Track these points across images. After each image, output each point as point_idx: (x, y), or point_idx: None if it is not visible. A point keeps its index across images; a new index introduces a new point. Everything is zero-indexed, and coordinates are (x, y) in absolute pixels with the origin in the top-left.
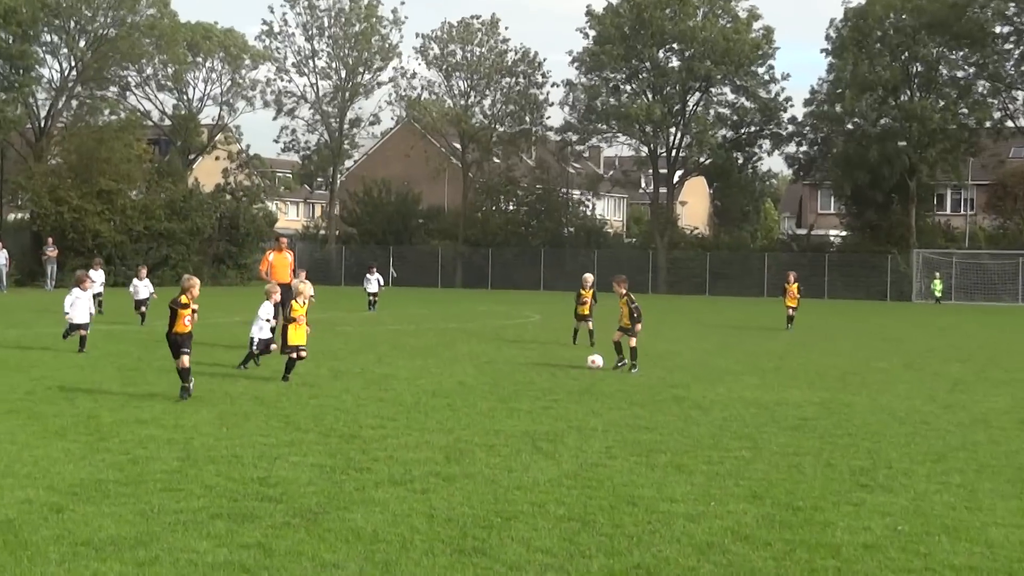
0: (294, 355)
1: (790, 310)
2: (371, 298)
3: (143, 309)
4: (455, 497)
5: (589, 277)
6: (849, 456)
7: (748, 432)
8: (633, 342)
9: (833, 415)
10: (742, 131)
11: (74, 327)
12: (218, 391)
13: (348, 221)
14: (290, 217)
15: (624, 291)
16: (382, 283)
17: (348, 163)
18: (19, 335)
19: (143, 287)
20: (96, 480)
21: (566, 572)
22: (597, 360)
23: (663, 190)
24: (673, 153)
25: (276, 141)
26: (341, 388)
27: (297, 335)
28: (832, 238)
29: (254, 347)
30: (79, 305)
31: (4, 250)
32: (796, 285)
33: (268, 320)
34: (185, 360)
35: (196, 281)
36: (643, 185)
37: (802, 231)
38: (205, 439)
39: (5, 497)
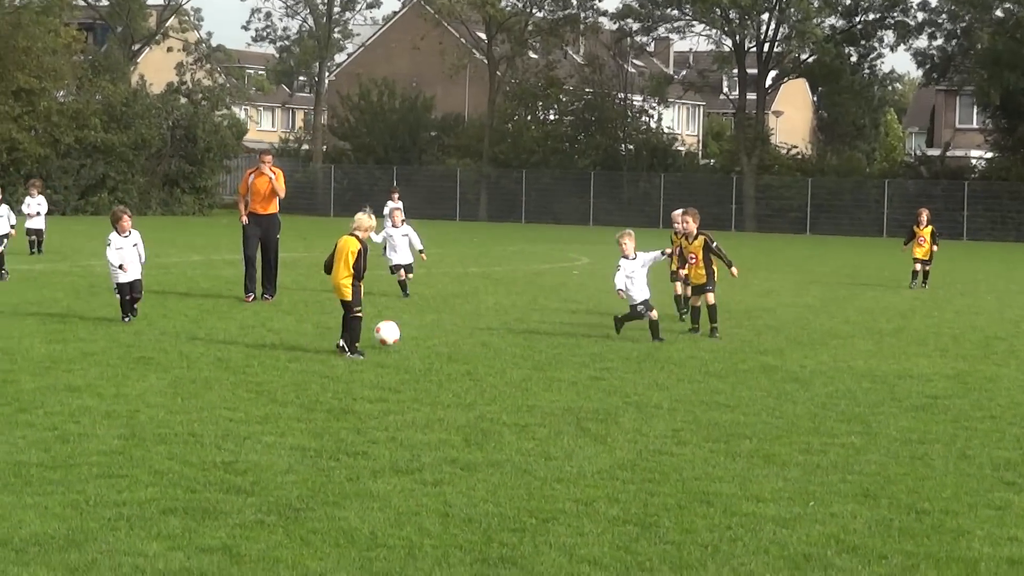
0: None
1: (918, 264)
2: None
3: (33, 237)
4: (477, 491)
5: (679, 215)
6: (991, 445)
7: (859, 413)
8: (711, 299)
9: (971, 392)
10: (856, 20)
11: (123, 287)
12: (171, 351)
13: (339, 133)
14: (264, 127)
15: (695, 228)
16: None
17: (339, 57)
18: None
19: (36, 205)
20: (15, 463)
21: None
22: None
23: (751, 96)
24: (765, 48)
25: (246, 28)
26: (330, 349)
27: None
28: (974, 161)
29: (639, 310)
30: (126, 256)
31: None
32: (930, 228)
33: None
34: None
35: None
36: (725, 89)
37: (934, 151)
38: (154, 412)
39: None
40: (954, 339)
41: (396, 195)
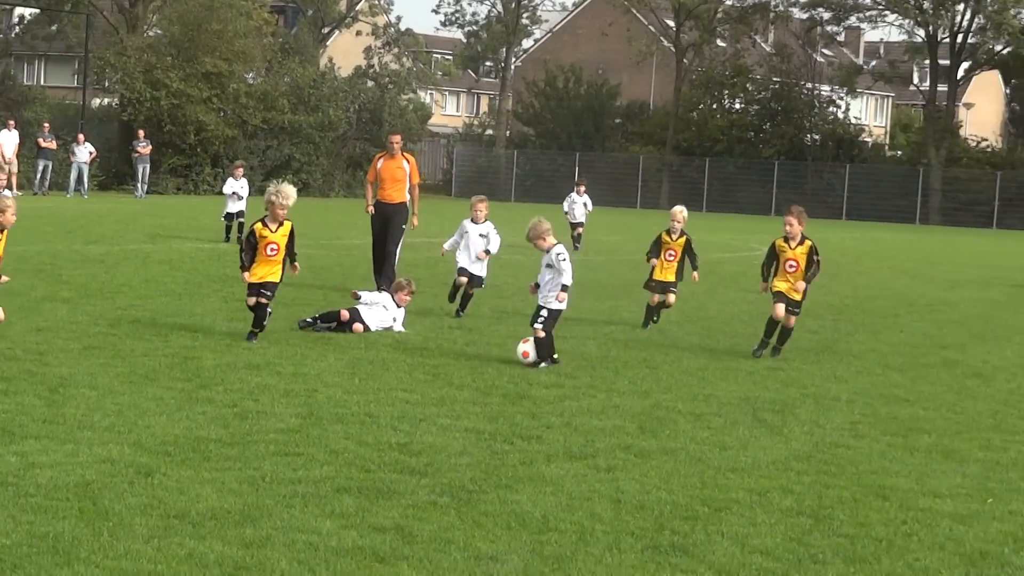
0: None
1: None
2: (575, 232)
3: (240, 220)
4: (649, 479)
5: (681, 211)
6: None
7: None
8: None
9: None
10: None
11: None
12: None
13: (523, 119)
14: (449, 112)
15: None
16: (590, 207)
17: (526, 43)
18: (103, 252)
19: (239, 188)
20: (194, 438)
21: None
22: (527, 350)
23: (942, 88)
24: (959, 39)
25: (435, 12)
26: (506, 334)
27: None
28: None
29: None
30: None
31: (87, 144)
32: None
33: None
34: None
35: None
36: (915, 80)
37: None
38: (332, 392)
39: (82, 455)
40: None
41: (582, 187)
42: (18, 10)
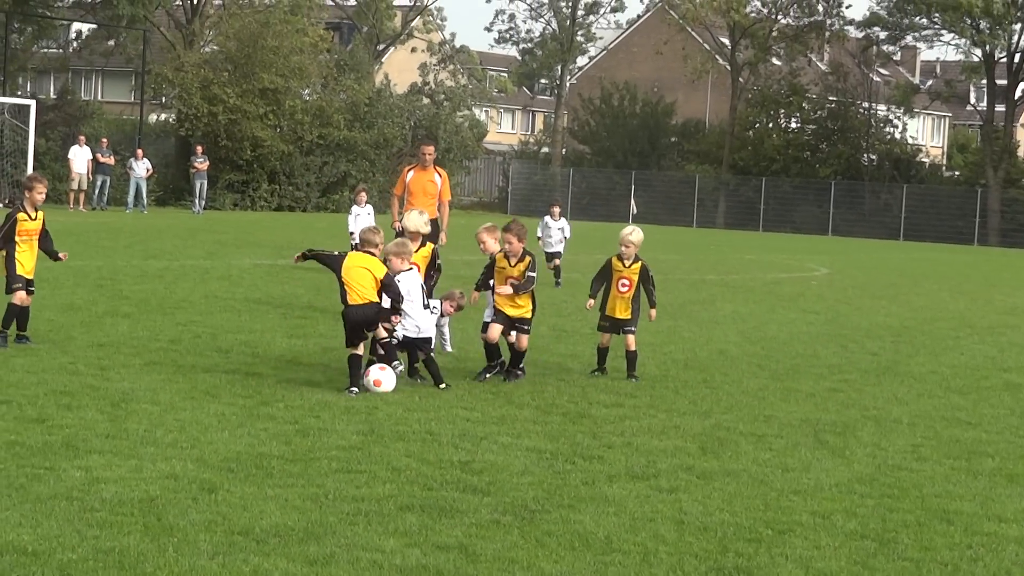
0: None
1: None
2: (551, 264)
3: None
4: (712, 500)
5: (630, 232)
6: None
7: None
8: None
9: None
10: None
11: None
12: None
13: (579, 137)
14: (504, 129)
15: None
16: (567, 234)
17: (581, 61)
18: (162, 267)
19: (366, 216)
20: (256, 455)
21: None
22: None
23: (999, 108)
24: (1016, 58)
25: (489, 29)
26: (566, 352)
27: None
28: None
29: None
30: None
31: (145, 160)
32: None
33: None
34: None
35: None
36: (973, 100)
37: None
38: (392, 409)
39: (146, 470)
40: None
41: (556, 209)
42: (75, 25)
